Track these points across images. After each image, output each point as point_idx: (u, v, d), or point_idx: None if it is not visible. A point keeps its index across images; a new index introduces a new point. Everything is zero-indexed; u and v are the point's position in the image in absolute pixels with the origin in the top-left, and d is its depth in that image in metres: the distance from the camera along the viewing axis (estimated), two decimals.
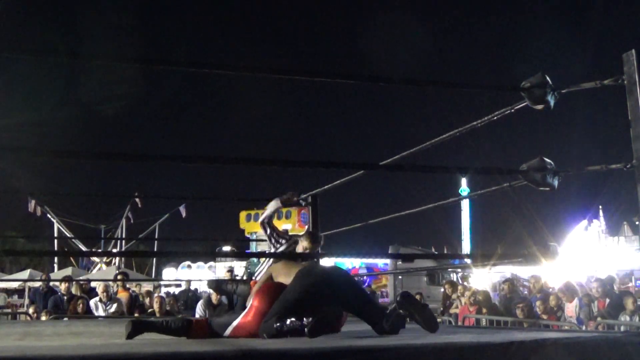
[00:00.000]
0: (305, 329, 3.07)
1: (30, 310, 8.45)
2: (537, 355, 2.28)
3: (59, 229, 28.24)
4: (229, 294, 6.37)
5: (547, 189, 2.84)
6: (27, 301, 12.66)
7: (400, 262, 17.15)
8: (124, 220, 28.71)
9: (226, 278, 10.43)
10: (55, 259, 27.15)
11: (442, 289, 11.84)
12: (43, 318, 7.48)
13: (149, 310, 8.52)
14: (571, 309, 7.33)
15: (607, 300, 7.11)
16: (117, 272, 12.96)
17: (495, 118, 3.28)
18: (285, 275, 3.54)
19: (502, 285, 9.31)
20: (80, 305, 7.75)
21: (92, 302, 7.85)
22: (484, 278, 17.03)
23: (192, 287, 13.63)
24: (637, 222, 30.48)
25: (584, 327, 6.67)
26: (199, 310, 7.97)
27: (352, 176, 4.94)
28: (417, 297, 10.57)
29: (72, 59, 2.84)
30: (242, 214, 32.06)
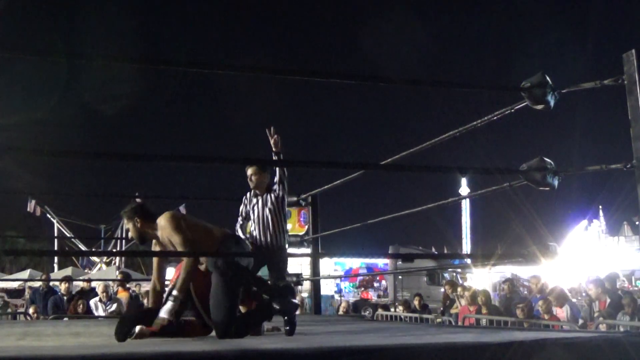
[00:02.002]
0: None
1: (31, 311, 8.44)
2: (537, 355, 2.28)
3: (59, 229, 28.23)
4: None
5: (547, 189, 2.84)
6: (27, 301, 12.63)
7: (400, 262, 17.15)
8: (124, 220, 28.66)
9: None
10: (55, 259, 27.13)
11: (442, 289, 11.85)
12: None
13: None
14: (562, 314, 7.32)
15: (608, 300, 7.10)
16: (117, 272, 12.95)
17: (495, 118, 3.28)
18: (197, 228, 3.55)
19: (502, 286, 9.31)
20: (80, 306, 7.76)
21: (92, 302, 7.85)
22: (484, 278, 17.04)
23: None
24: (637, 222, 30.47)
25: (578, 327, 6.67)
26: None
27: (352, 176, 4.95)
28: (417, 298, 10.61)
29: (72, 59, 2.84)
30: None
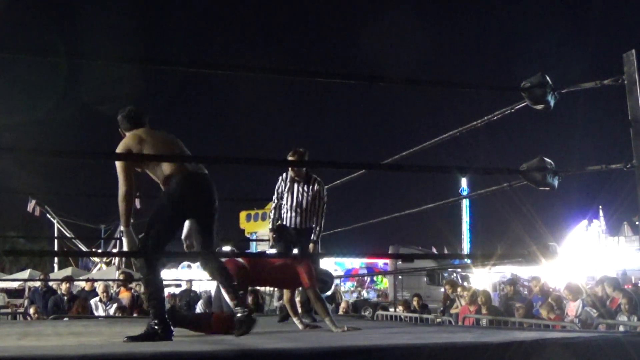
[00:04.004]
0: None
1: (31, 311, 8.43)
2: (537, 355, 2.28)
3: (59, 229, 28.20)
4: None
5: (547, 189, 2.84)
6: (26, 301, 12.62)
7: (400, 262, 17.13)
8: None
9: None
10: (55, 259, 27.11)
11: (443, 289, 11.83)
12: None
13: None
14: (573, 308, 7.31)
15: (619, 300, 7.09)
16: (118, 272, 12.91)
17: (495, 118, 3.28)
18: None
19: (502, 286, 9.31)
20: (82, 306, 7.75)
21: (92, 302, 7.85)
22: (484, 278, 17.03)
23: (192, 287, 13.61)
24: (637, 222, 30.42)
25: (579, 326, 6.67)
26: (199, 310, 7.98)
27: (352, 176, 4.95)
28: (415, 299, 10.58)
29: (72, 59, 2.84)
30: (242, 214, 31.97)
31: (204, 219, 3.45)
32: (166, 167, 3.31)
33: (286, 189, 5.00)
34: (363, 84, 3.44)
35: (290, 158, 4.86)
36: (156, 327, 3.17)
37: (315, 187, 4.90)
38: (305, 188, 4.91)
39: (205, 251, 3.43)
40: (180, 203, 3.31)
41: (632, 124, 2.63)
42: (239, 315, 3.18)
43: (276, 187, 5.08)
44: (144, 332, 3.14)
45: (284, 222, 4.98)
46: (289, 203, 4.96)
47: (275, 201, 5.06)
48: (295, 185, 4.95)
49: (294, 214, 4.92)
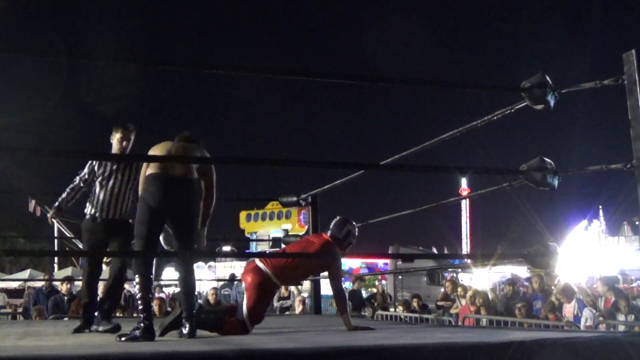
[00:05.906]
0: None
1: (34, 314, 8.40)
2: (537, 355, 2.28)
3: (59, 229, 28.21)
4: None
5: (547, 189, 2.84)
6: (24, 301, 12.60)
7: (400, 262, 17.12)
8: None
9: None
10: (56, 259, 27.11)
11: (442, 289, 11.84)
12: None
13: None
14: (569, 309, 7.32)
15: (613, 299, 7.11)
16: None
17: (495, 118, 3.28)
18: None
19: (504, 286, 9.31)
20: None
21: None
22: (484, 278, 17.04)
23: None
24: (637, 222, 30.47)
25: (581, 327, 6.67)
26: None
27: (352, 176, 4.95)
28: (415, 300, 10.58)
29: (72, 59, 2.84)
30: (242, 214, 32.00)
31: (175, 222, 3.42)
32: (148, 169, 3.42)
33: (105, 171, 4.30)
34: (363, 84, 3.45)
35: (118, 135, 4.26)
36: (141, 324, 3.16)
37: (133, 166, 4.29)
38: (131, 168, 4.27)
39: (182, 254, 3.44)
40: (151, 202, 3.31)
41: (632, 124, 2.63)
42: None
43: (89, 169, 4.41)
44: (132, 331, 3.16)
45: (95, 211, 4.39)
46: (108, 186, 4.31)
47: (78, 182, 4.49)
48: (119, 167, 4.30)
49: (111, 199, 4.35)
